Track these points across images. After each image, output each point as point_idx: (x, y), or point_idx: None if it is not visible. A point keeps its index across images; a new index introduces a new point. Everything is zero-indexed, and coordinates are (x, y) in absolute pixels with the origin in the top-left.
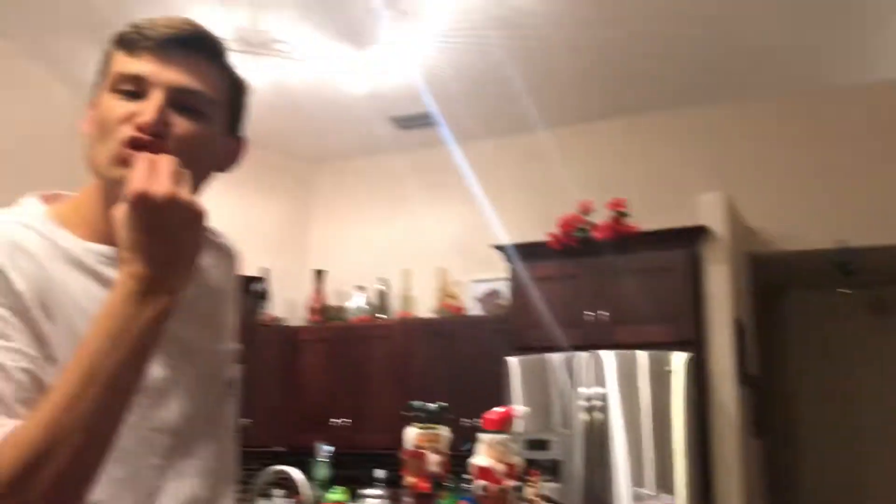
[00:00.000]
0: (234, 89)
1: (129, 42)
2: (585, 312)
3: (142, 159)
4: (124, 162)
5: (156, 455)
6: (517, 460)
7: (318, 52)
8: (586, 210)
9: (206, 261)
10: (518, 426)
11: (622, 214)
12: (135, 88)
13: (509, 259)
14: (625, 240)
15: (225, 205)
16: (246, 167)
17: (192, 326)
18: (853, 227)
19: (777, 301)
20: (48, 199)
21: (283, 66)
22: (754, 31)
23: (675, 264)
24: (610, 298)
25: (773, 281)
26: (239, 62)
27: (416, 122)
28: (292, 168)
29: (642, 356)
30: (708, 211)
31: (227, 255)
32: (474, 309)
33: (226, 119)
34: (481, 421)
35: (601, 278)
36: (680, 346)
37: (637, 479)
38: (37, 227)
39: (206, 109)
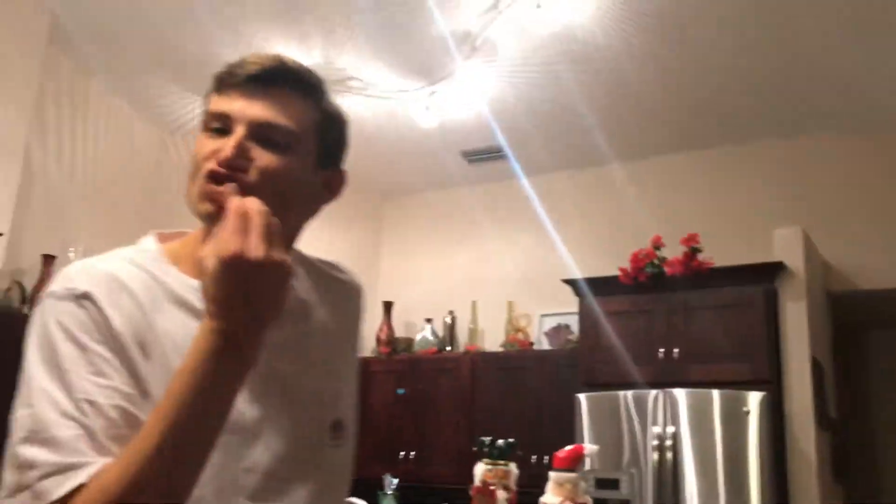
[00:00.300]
0: (326, 121)
1: (220, 82)
2: (657, 349)
3: (234, 212)
4: (208, 197)
5: (244, 495)
6: (587, 499)
7: (391, 87)
8: (658, 245)
9: (325, 297)
10: (588, 464)
11: (695, 250)
12: (222, 126)
13: (579, 293)
14: (698, 275)
15: (304, 235)
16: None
17: (296, 365)
18: None
19: (857, 341)
20: (166, 238)
21: (356, 101)
22: (835, 63)
23: (751, 301)
24: (683, 335)
25: (853, 320)
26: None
27: (486, 155)
28: (363, 201)
29: (716, 395)
30: (784, 246)
31: (350, 291)
32: (542, 343)
33: (316, 151)
34: (551, 458)
35: (674, 314)
36: (755, 386)
37: None
38: (147, 265)
39: (289, 142)
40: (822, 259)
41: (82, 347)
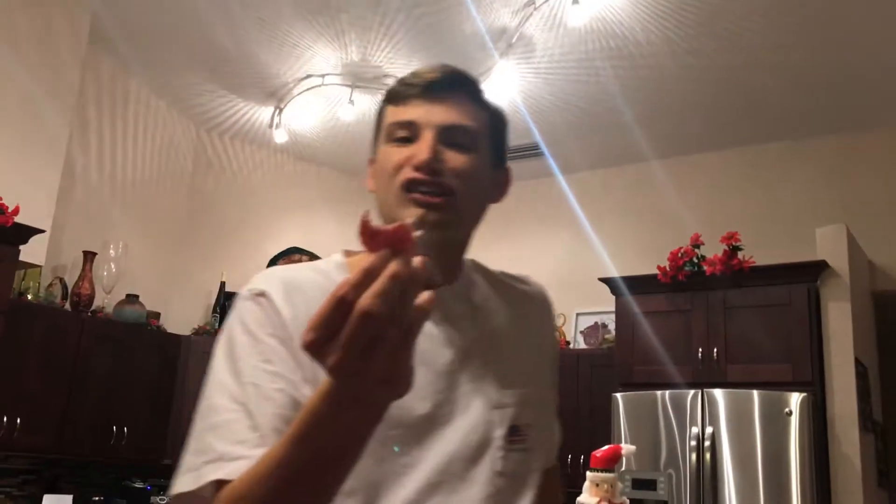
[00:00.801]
0: (495, 122)
1: (397, 94)
2: (696, 349)
3: (385, 242)
4: (410, 203)
5: (405, 490)
6: (624, 500)
7: None
8: (697, 243)
9: (508, 306)
10: (625, 465)
11: (736, 248)
12: (408, 134)
13: (616, 292)
14: (738, 274)
15: (332, 232)
16: (354, 197)
17: (472, 368)
18: None
19: None
20: (352, 254)
21: None
22: (883, 59)
23: (792, 301)
24: (722, 335)
25: None
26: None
27: (523, 152)
28: None
29: (756, 396)
30: (827, 245)
31: (539, 301)
32: (579, 342)
33: (492, 151)
34: (588, 458)
35: (713, 314)
36: (797, 387)
37: None
38: (331, 273)
39: (473, 142)
40: (867, 258)
41: (255, 338)
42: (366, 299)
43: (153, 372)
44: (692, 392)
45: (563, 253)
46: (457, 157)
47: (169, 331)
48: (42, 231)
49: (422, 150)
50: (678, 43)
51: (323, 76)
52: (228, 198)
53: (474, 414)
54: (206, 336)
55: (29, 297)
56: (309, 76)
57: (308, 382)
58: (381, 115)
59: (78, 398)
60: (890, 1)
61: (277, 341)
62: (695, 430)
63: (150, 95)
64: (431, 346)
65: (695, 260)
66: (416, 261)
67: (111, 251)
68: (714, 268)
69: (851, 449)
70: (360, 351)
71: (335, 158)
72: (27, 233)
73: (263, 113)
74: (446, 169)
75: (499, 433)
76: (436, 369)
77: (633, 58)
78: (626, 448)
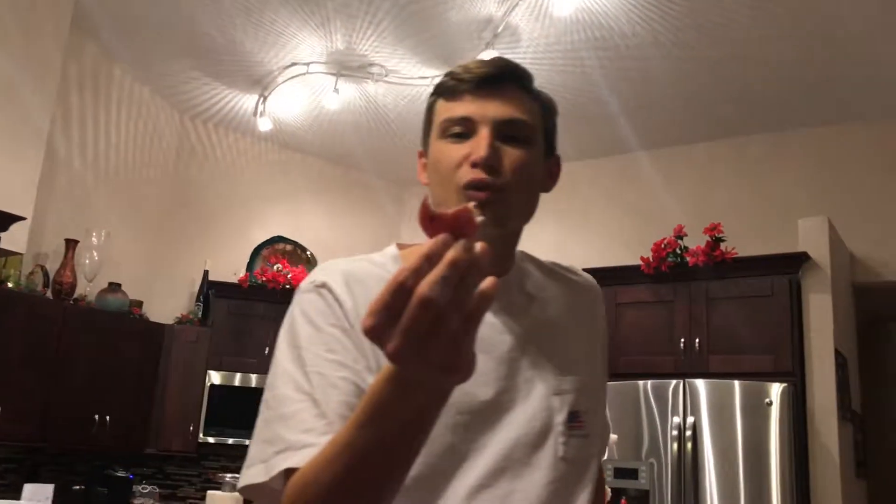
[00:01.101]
0: (546, 111)
1: (449, 89)
2: (678, 339)
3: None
4: (466, 199)
5: (469, 476)
6: (606, 489)
7: (413, 74)
8: (681, 234)
9: (562, 295)
10: (607, 454)
11: (719, 239)
12: (463, 129)
13: (600, 282)
14: (721, 265)
15: (317, 222)
16: (339, 186)
17: (531, 355)
18: None
19: (881, 334)
20: (405, 247)
21: (377, 88)
22: (868, 52)
23: (774, 292)
24: (704, 325)
25: (878, 313)
26: (333, 85)
27: None
28: (385, 189)
29: (737, 386)
30: (809, 237)
31: (591, 292)
32: None
33: (544, 141)
34: None
35: (695, 305)
36: (777, 378)
37: None
38: (387, 265)
39: (529, 135)
40: (848, 250)
41: (318, 329)
42: (425, 285)
43: (135, 361)
44: (674, 382)
45: (550, 243)
46: (513, 153)
47: (152, 319)
48: (23, 218)
49: (480, 147)
50: (663, 35)
51: (308, 64)
52: (212, 186)
53: (536, 400)
54: (190, 325)
55: (10, 284)
56: (294, 64)
57: (371, 371)
58: (431, 109)
59: (60, 387)
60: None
61: (340, 331)
62: (676, 419)
63: (134, 82)
64: (491, 333)
65: (678, 251)
66: (478, 246)
67: (93, 239)
68: (697, 259)
69: (830, 439)
70: (420, 337)
71: (320, 147)
72: (8, 220)
73: (248, 101)
74: (504, 165)
75: (560, 419)
76: (496, 356)
77: (618, 49)
78: (610, 438)
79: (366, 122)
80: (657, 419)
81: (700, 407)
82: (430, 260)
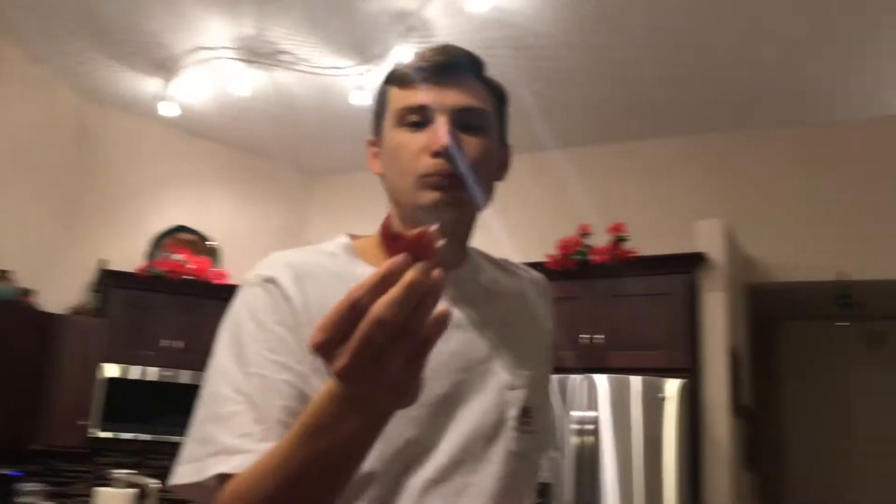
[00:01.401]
0: (500, 100)
1: (404, 77)
2: (581, 335)
3: (408, 246)
4: (429, 188)
5: (423, 471)
6: None
7: (324, 64)
8: (586, 233)
9: (512, 289)
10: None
11: (621, 238)
12: (419, 119)
13: None
14: (623, 264)
15: (222, 211)
16: (246, 175)
17: (483, 350)
18: (854, 261)
19: (773, 332)
20: (356, 237)
21: (287, 77)
22: (765, 62)
23: (672, 290)
24: (606, 322)
25: (770, 311)
26: (242, 71)
27: None
28: (293, 179)
29: (636, 381)
30: (706, 238)
31: (539, 287)
32: None
33: (498, 130)
34: None
35: (598, 302)
36: (674, 373)
37: None
38: (337, 255)
39: (484, 124)
40: (743, 251)
41: (262, 326)
42: (380, 306)
43: (25, 352)
44: (576, 377)
45: None
46: (471, 141)
47: (45, 309)
48: None
49: (439, 136)
50: (575, 36)
51: (216, 49)
52: (112, 171)
53: (490, 394)
54: (85, 315)
55: None
56: (201, 48)
57: (317, 373)
58: (383, 96)
59: None
60: (774, 9)
61: (286, 330)
62: (578, 414)
63: (29, 62)
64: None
65: (583, 249)
66: (436, 273)
67: None
68: (601, 257)
69: (722, 433)
70: (369, 358)
71: (228, 134)
72: None
73: (152, 84)
74: (463, 154)
75: (512, 413)
76: (450, 349)
77: (531, 49)
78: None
79: (276, 111)
80: (558, 413)
81: (600, 401)
82: (388, 279)
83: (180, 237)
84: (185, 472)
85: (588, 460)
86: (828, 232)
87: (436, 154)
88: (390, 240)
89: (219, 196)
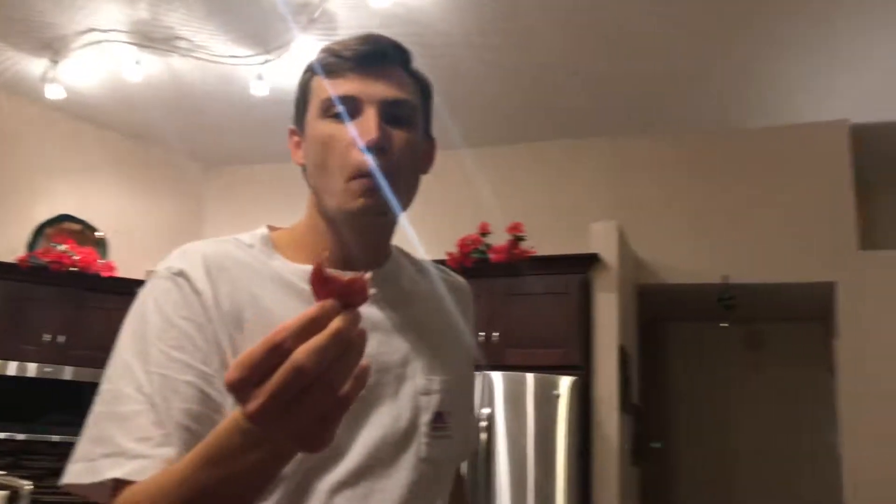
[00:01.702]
0: (426, 93)
1: (330, 66)
2: (479, 333)
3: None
4: (358, 193)
5: (334, 476)
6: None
7: (223, 52)
8: (485, 232)
9: (433, 292)
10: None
11: (519, 238)
12: (346, 109)
13: None
14: (520, 263)
15: (111, 200)
16: (138, 164)
17: (399, 352)
18: (735, 264)
19: (660, 332)
20: (275, 229)
21: (183, 64)
22: (662, 68)
23: (567, 290)
24: (502, 320)
25: (658, 312)
26: (135, 57)
27: None
28: (189, 169)
29: (530, 378)
30: (600, 239)
31: (461, 290)
32: None
33: (423, 123)
34: None
35: (495, 300)
36: (567, 371)
37: (519, 501)
38: (255, 248)
39: (411, 117)
40: (634, 253)
41: (168, 322)
42: (303, 352)
43: None
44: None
45: None
46: (400, 134)
47: None
48: None
49: (370, 128)
50: (476, 37)
51: (107, 31)
52: None
53: (404, 399)
54: None
55: None
56: (92, 30)
57: (227, 368)
58: (306, 86)
59: None
60: (666, 18)
61: (193, 327)
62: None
63: None
64: (363, 326)
65: (482, 248)
66: (361, 329)
67: None
68: (499, 256)
69: (611, 429)
70: (284, 403)
71: (119, 121)
72: None
73: (37, 65)
74: (393, 147)
75: (425, 419)
76: (367, 351)
77: (433, 47)
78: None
79: (170, 98)
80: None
81: (495, 398)
82: (315, 324)
83: (65, 227)
84: (77, 472)
85: (482, 456)
86: (713, 236)
87: (365, 147)
88: (321, 282)
89: (107, 185)
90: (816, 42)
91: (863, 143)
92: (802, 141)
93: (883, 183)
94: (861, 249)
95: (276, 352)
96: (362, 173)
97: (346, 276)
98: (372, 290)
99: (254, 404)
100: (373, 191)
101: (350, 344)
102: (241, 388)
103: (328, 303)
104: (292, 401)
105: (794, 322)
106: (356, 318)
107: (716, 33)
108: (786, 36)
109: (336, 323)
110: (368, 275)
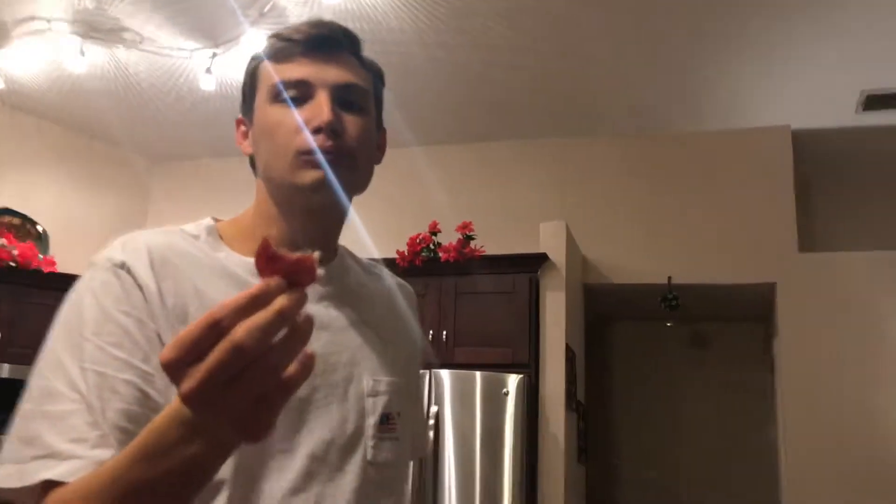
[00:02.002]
0: (378, 81)
1: (280, 51)
2: (427, 332)
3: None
4: (310, 166)
5: (280, 478)
6: None
7: (171, 45)
8: (435, 230)
9: (379, 293)
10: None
11: (469, 237)
12: (297, 94)
13: None
14: (469, 262)
15: (52, 194)
16: (80, 157)
17: (347, 352)
18: (679, 265)
19: (606, 331)
20: (220, 221)
21: (129, 56)
22: (606, 71)
23: (516, 289)
24: (452, 319)
25: (604, 311)
26: (79, 47)
27: None
28: (134, 163)
29: (479, 377)
30: (548, 239)
31: (406, 292)
32: None
33: (376, 111)
34: None
35: (445, 299)
36: (515, 369)
37: (466, 498)
38: (199, 240)
39: (364, 103)
40: (582, 253)
41: (107, 316)
42: (242, 330)
43: None
44: (421, 372)
45: None
46: (353, 119)
47: None
48: None
49: (322, 112)
50: (428, 34)
51: (50, 20)
52: None
53: (351, 401)
54: None
55: None
56: (33, 18)
57: (164, 373)
58: (255, 72)
59: None
60: (613, 21)
61: (133, 322)
62: None
63: None
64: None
65: (431, 246)
66: (306, 314)
67: None
68: (449, 255)
69: (558, 427)
70: (221, 384)
71: (61, 112)
72: None
73: None
74: (347, 130)
75: (372, 421)
76: (314, 350)
77: (385, 44)
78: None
79: (115, 91)
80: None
81: (444, 396)
82: (257, 302)
83: (4, 220)
84: (5, 475)
85: (431, 453)
86: (658, 237)
87: (317, 130)
88: (267, 260)
89: (49, 179)
90: (760, 48)
91: (803, 149)
92: (745, 145)
93: (821, 187)
94: (800, 252)
95: (215, 329)
96: (313, 152)
97: (294, 255)
98: (320, 271)
99: (188, 383)
100: (324, 166)
101: (294, 325)
102: (176, 367)
103: (273, 280)
104: (230, 381)
105: (736, 322)
106: (302, 298)
107: (663, 38)
108: (731, 42)
109: (280, 301)
110: (317, 254)
